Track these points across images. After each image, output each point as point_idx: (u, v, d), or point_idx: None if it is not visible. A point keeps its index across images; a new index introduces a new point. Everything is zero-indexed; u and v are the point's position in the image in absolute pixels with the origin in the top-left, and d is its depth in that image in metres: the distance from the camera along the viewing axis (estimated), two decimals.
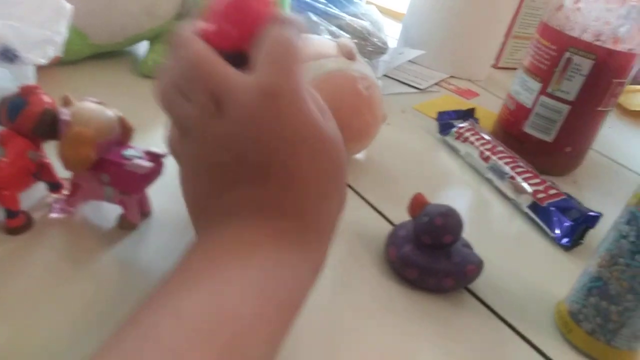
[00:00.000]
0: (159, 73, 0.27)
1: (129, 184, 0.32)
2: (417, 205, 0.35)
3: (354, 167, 0.47)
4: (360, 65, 0.43)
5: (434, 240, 0.34)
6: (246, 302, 0.21)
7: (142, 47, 0.58)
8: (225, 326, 0.20)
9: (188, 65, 0.25)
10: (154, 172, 0.32)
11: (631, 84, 0.94)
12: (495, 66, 0.84)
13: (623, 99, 0.84)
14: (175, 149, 0.27)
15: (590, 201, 0.51)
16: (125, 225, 0.33)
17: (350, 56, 0.43)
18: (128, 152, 0.32)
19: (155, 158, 0.32)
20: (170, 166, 0.34)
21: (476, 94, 0.72)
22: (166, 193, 0.33)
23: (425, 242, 0.34)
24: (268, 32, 0.25)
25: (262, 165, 0.24)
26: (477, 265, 0.34)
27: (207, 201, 0.26)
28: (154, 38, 0.55)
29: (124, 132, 0.33)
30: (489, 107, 0.65)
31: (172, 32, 0.26)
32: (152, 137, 0.43)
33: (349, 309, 0.32)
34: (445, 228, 0.34)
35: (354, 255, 0.36)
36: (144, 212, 0.35)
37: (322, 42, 0.44)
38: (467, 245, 0.36)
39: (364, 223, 0.40)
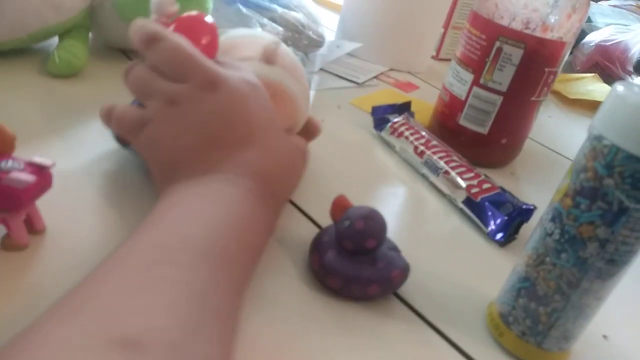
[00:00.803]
0: (128, 68, 0.33)
1: (8, 200, 0.28)
2: (339, 208, 0.33)
3: None
4: (275, 71, 0.38)
5: (356, 246, 0.32)
6: (212, 233, 0.25)
7: (53, 44, 0.53)
8: (192, 245, 0.23)
9: (178, 53, 0.31)
10: (39, 186, 0.29)
11: (570, 72, 0.95)
12: (435, 57, 0.83)
13: (562, 88, 0.85)
14: (133, 124, 0.32)
15: (528, 193, 0.51)
16: (10, 247, 0.29)
17: (268, 60, 0.38)
18: (5, 164, 0.28)
19: (40, 170, 0.29)
20: (59, 178, 0.30)
21: (416, 87, 0.70)
22: (63, 207, 0.29)
23: (348, 247, 0.32)
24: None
25: (247, 135, 0.31)
26: (402, 270, 0.32)
27: (186, 155, 0.30)
28: (64, 34, 0.50)
29: (2, 142, 0.29)
30: (430, 100, 0.64)
31: (135, 29, 0.32)
32: (52, 143, 0.39)
33: (268, 324, 0.29)
34: (367, 232, 0.31)
35: (276, 264, 0.34)
36: (36, 229, 0.31)
37: (250, 42, 0.41)
38: (394, 249, 0.34)
39: (289, 228, 0.37)
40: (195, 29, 0.33)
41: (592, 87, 0.87)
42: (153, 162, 0.32)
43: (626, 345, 0.35)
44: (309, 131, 0.42)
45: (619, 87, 0.25)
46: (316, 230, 0.36)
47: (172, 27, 0.33)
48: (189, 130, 0.30)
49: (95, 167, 0.38)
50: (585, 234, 0.26)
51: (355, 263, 0.32)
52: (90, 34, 0.53)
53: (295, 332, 0.29)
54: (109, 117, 0.34)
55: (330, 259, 0.32)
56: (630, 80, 0.87)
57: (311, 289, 0.32)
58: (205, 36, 0.33)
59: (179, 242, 0.23)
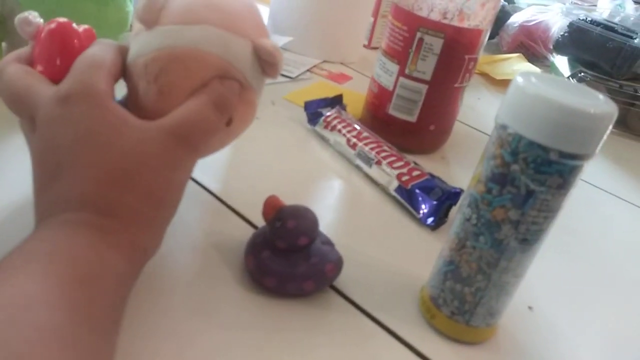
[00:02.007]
0: None
1: None
2: (270, 209, 0.33)
3: (214, 169, 0.44)
4: (154, 37, 0.29)
5: (289, 245, 0.32)
6: (35, 281, 0.21)
7: None
8: (9, 301, 0.20)
9: (6, 92, 0.28)
10: None
11: (498, 53, 0.99)
12: (368, 46, 0.84)
13: (490, 69, 0.88)
14: None
15: (459, 175, 0.53)
16: None
17: (145, 23, 0.30)
18: None
19: None
20: None
21: (349, 78, 0.71)
22: None
23: (281, 247, 0.32)
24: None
25: (57, 165, 0.26)
26: (335, 264, 0.33)
27: (36, 199, 0.28)
28: None
29: None
30: (363, 90, 0.65)
31: None
32: None
33: (205, 330, 0.29)
34: (298, 230, 0.32)
35: (212, 267, 0.34)
36: None
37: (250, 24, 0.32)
38: (327, 243, 0.35)
39: (225, 231, 0.37)
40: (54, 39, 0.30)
41: (518, 66, 0.92)
42: None
43: (551, 314, 0.37)
44: (266, 62, 0.32)
45: (519, 78, 0.26)
46: (252, 231, 0.37)
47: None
48: (33, 168, 0.28)
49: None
50: (498, 217, 0.28)
51: (289, 261, 0.32)
52: (3, 44, 0.51)
53: (234, 336, 0.30)
54: None
55: (265, 259, 0.32)
56: (551, 58, 0.92)
57: (248, 290, 0.33)
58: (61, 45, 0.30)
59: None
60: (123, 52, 0.31)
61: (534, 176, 0.26)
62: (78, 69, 0.28)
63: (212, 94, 0.29)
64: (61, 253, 0.23)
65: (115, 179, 0.26)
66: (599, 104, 0.25)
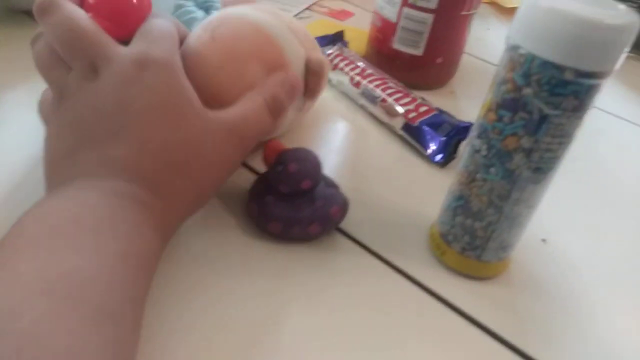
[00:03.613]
0: (34, 38, 0.29)
1: None
2: (271, 153, 0.32)
3: None
4: (231, 9, 0.35)
5: (292, 189, 0.31)
6: (84, 257, 0.21)
7: None
8: (64, 279, 0.20)
9: (67, 30, 0.26)
10: None
11: None
12: None
13: None
14: (47, 112, 0.28)
15: (468, 110, 0.51)
16: None
17: (225, 3, 0.36)
18: None
19: None
20: None
21: (351, 14, 0.68)
22: None
23: (284, 191, 0.31)
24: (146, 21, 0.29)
25: (121, 127, 0.25)
26: (341, 206, 0.32)
27: (62, 160, 0.26)
28: None
29: None
30: (366, 26, 0.62)
31: None
32: None
33: (213, 279, 0.29)
34: (301, 174, 0.31)
35: (215, 216, 0.33)
36: None
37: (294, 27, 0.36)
38: (332, 186, 0.34)
39: (229, 179, 0.36)
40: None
41: None
42: (44, 162, 0.27)
43: (564, 247, 0.36)
44: (313, 71, 0.36)
45: None
46: (254, 177, 0.35)
47: None
48: (67, 130, 0.26)
49: (17, 151, 0.36)
50: (510, 145, 0.26)
51: (293, 205, 0.31)
52: None
53: (241, 283, 0.29)
54: None
55: (268, 204, 0.31)
56: None
57: (253, 237, 0.32)
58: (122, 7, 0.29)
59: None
60: (180, 31, 0.32)
61: (547, 99, 0.24)
62: (152, 36, 0.28)
63: (268, 95, 0.31)
64: (108, 227, 0.23)
65: (173, 162, 0.26)
66: (619, 14, 0.23)
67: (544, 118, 0.25)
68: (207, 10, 0.50)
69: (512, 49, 0.25)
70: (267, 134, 0.32)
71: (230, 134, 0.29)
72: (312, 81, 0.36)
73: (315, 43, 0.39)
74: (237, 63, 0.33)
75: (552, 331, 0.30)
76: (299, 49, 0.35)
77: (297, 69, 0.35)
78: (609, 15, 0.22)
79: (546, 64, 0.23)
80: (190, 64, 0.32)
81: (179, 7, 0.53)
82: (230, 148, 0.29)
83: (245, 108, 0.30)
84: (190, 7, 0.52)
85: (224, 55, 0.33)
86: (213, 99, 0.31)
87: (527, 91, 0.25)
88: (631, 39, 0.23)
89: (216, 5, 0.50)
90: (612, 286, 0.34)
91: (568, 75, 0.23)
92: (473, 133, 0.29)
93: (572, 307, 0.31)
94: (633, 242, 0.38)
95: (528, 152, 0.26)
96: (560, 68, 0.23)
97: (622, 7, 0.24)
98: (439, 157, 0.41)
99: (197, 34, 0.34)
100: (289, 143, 0.34)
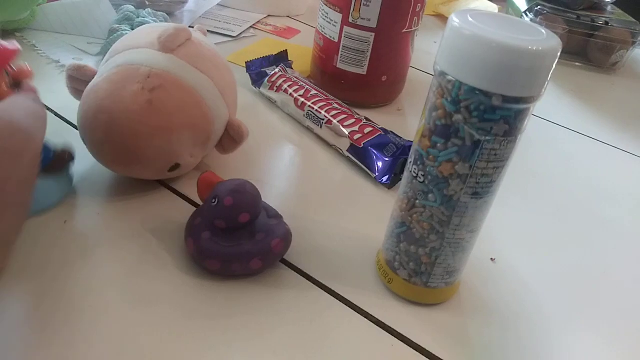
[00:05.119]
0: None
1: None
2: (205, 186, 0.31)
3: None
4: (169, 60, 0.33)
5: (229, 223, 0.30)
6: None
7: None
8: None
9: None
10: None
11: None
12: None
13: (446, 10, 0.85)
14: None
15: (416, 127, 0.50)
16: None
17: (163, 47, 0.34)
18: None
19: None
20: None
21: (297, 31, 0.67)
22: None
23: (221, 226, 0.30)
24: None
25: None
26: (283, 239, 0.31)
27: None
28: None
29: None
30: (312, 44, 0.61)
31: None
32: None
33: (148, 323, 0.27)
34: (237, 207, 0.30)
35: (151, 254, 0.31)
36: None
37: (151, 29, 0.36)
38: (274, 216, 0.33)
39: (163, 213, 0.35)
40: None
41: (474, 5, 0.88)
42: None
43: (514, 264, 0.36)
44: (231, 137, 0.37)
45: (455, 18, 0.24)
46: (192, 210, 0.34)
47: None
48: None
49: None
50: (446, 172, 0.26)
51: (232, 240, 0.30)
52: None
53: (179, 327, 0.27)
54: None
55: (205, 240, 0.30)
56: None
57: (191, 275, 0.30)
58: None
59: None
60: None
61: (478, 125, 0.24)
62: None
63: None
64: None
65: None
66: (541, 39, 0.22)
67: (476, 144, 0.24)
68: None
69: (440, 75, 0.25)
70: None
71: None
72: (228, 143, 0.38)
73: (236, 99, 0.40)
74: (170, 135, 0.33)
75: (503, 357, 0.29)
76: (225, 113, 0.37)
77: (218, 132, 0.36)
78: (532, 41, 0.22)
79: (473, 91, 0.23)
80: (119, 119, 0.31)
81: (113, 31, 0.51)
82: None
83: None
84: (125, 30, 0.50)
85: (159, 125, 0.32)
86: (132, 159, 0.33)
87: (458, 118, 0.24)
88: (554, 63, 0.23)
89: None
90: (563, 303, 0.34)
91: (496, 102, 0.23)
92: (410, 159, 0.28)
93: (522, 329, 0.31)
94: (583, 256, 0.38)
95: (464, 178, 0.26)
96: (487, 94, 0.23)
97: (544, 31, 0.23)
98: (385, 178, 0.40)
99: (133, 91, 0.32)
100: (228, 170, 0.32)
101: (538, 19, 0.70)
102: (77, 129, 0.41)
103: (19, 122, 0.24)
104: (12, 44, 0.29)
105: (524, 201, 0.43)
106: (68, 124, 0.42)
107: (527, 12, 0.73)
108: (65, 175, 0.35)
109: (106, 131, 0.32)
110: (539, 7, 0.72)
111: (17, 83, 0.30)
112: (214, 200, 0.30)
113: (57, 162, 0.34)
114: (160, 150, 0.33)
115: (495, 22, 0.23)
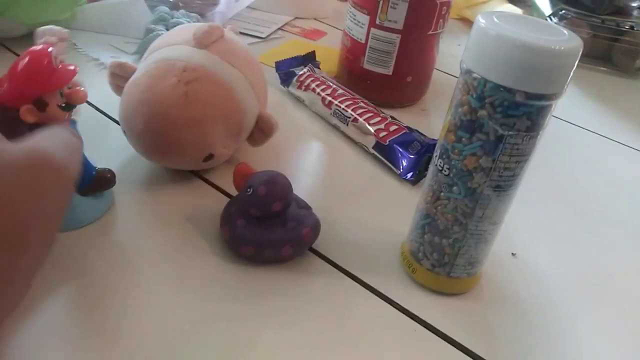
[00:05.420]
0: None
1: None
2: (240, 177, 0.33)
3: None
4: (204, 55, 0.35)
5: (262, 212, 0.32)
6: None
7: None
8: None
9: None
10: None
11: None
12: None
13: (470, 13, 0.86)
14: None
15: (440, 127, 0.52)
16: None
17: (198, 43, 0.36)
18: None
19: None
20: None
21: (324, 33, 0.69)
22: None
23: (255, 214, 0.32)
24: None
25: None
26: (312, 227, 0.32)
27: None
28: None
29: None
30: (338, 45, 0.63)
31: None
32: None
33: (186, 304, 0.29)
34: (270, 196, 0.31)
35: (188, 240, 0.33)
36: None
37: (186, 28, 0.38)
38: (304, 207, 0.34)
39: (199, 202, 0.37)
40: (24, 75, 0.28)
41: (499, 8, 0.89)
42: None
43: (534, 259, 0.37)
44: (261, 129, 0.39)
45: (481, 19, 0.25)
46: (226, 200, 0.36)
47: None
48: None
49: None
50: (470, 165, 0.27)
51: (265, 228, 0.32)
52: None
53: (214, 309, 0.29)
54: None
55: (240, 228, 0.32)
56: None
57: (226, 260, 0.32)
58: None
59: None
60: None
61: (502, 120, 0.25)
62: None
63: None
64: None
65: None
66: (563, 39, 0.24)
67: (499, 138, 0.26)
68: None
69: (466, 72, 0.26)
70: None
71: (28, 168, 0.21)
72: (258, 136, 0.40)
73: (266, 93, 0.41)
74: (205, 125, 0.35)
75: (522, 346, 0.30)
76: (255, 106, 0.38)
77: (249, 124, 0.38)
78: (554, 41, 0.23)
79: (498, 88, 0.25)
80: (157, 110, 0.34)
81: (149, 30, 0.53)
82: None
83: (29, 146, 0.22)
84: (160, 30, 0.52)
85: (194, 116, 0.34)
86: (170, 149, 0.35)
87: (482, 113, 0.26)
88: (576, 62, 0.24)
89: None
90: (581, 298, 0.35)
91: (519, 98, 0.24)
92: (436, 153, 0.30)
93: (541, 321, 0.32)
94: (602, 255, 0.39)
95: (487, 171, 0.27)
96: (511, 91, 0.24)
97: (566, 32, 0.25)
98: (409, 174, 0.42)
99: (170, 84, 0.34)
100: (259, 165, 0.34)
101: (562, 24, 0.71)
102: (115, 122, 0.43)
103: (53, 155, 0.22)
104: (71, 65, 0.29)
105: (545, 200, 0.44)
106: (107, 116, 0.45)
107: (552, 17, 0.74)
108: (106, 193, 0.35)
109: (145, 122, 0.34)
110: (563, 11, 0.72)
111: (70, 106, 0.30)
112: (248, 190, 0.32)
113: (99, 181, 0.34)
114: (195, 140, 0.35)
115: (519, 23, 0.25)
